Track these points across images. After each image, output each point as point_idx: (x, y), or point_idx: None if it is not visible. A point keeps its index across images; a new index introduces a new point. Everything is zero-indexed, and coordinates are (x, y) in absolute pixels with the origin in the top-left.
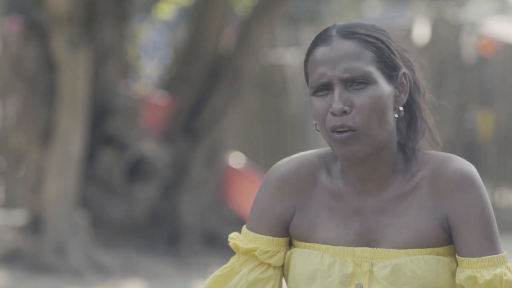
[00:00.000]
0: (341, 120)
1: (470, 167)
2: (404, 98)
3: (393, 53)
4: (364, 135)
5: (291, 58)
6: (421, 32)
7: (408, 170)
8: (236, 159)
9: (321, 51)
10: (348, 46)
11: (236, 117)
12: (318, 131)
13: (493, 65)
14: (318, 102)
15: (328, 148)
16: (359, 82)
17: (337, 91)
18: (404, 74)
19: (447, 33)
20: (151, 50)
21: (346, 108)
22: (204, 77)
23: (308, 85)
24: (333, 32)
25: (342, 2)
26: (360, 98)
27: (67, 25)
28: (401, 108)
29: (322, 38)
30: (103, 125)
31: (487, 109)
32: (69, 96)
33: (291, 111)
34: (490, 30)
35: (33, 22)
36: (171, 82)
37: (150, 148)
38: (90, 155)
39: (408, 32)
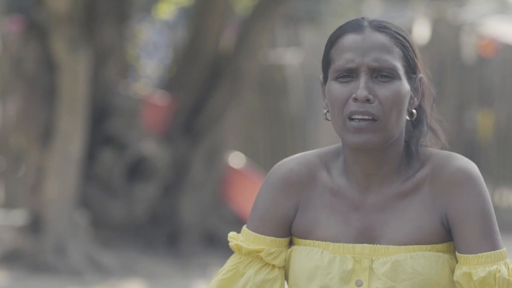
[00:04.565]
0: (364, 106)
1: (470, 165)
2: (416, 102)
3: (415, 56)
4: (383, 127)
5: (291, 58)
6: (421, 32)
7: (410, 168)
8: (236, 159)
9: (352, 38)
10: (380, 38)
11: (236, 117)
12: (328, 120)
13: (493, 65)
14: (340, 88)
15: (329, 147)
16: (385, 75)
17: (363, 78)
18: (421, 79)
19: (447, 33)
20: (151, 50)
21: (370, 96)
22: (204, 77)
23: (326, 72)
24: (365, 23)
25: (342, 2)
26: (384, 90)
27: (67, 25)
28: (414, 111)
29: (353, 27)
30: (103, 125)
31: (487, 109)
32: (69, 96)
33: (291, 111)
34: (490, 30)
35: (33, 22)
36: (171, 82)
37: (150, 148)
38: (90, 155)
39: (408, 32)
